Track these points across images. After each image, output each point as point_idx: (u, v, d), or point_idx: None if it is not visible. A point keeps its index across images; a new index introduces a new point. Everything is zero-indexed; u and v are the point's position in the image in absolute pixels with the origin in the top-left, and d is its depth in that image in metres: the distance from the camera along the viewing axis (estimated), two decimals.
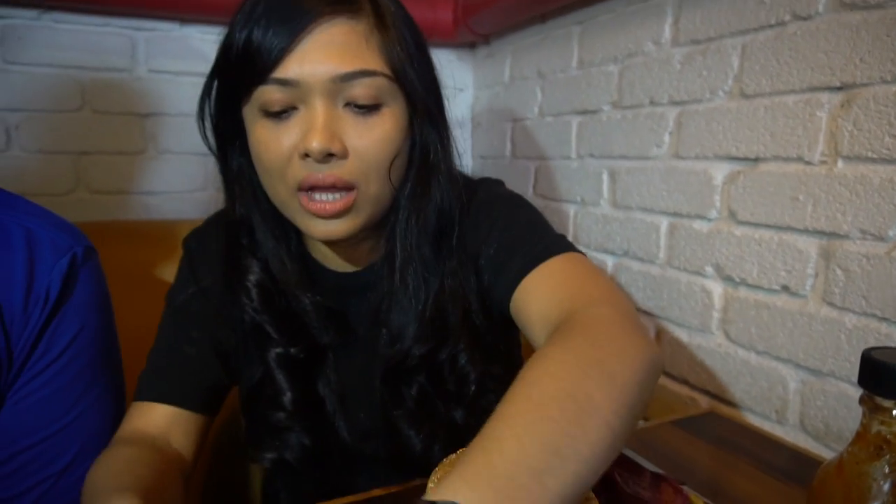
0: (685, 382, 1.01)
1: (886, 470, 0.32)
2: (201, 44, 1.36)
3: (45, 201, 0.69)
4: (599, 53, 1.17)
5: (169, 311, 0.75)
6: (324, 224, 0.63)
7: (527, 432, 0.39)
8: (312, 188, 0.62)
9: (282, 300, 0.70)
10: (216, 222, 0.78)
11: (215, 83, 0.67)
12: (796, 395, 0.82)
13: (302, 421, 0.69)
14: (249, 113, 0.63)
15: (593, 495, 0.47)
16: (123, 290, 0.79)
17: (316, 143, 0.58)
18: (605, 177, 1.17)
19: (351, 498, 0.65)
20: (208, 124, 0.69)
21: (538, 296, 0.61)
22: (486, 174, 0.82)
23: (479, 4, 1.35)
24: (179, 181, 1.39)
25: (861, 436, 0.33)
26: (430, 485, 0.47)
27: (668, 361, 1.04)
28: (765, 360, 0.86)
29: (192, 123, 1.41)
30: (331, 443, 0.71)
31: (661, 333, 1.05)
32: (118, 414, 0.69)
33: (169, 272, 1.08)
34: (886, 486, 0.31)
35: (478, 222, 0.71)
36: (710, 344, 0.95)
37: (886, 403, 0.32)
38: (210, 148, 0.70)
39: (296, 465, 0.68)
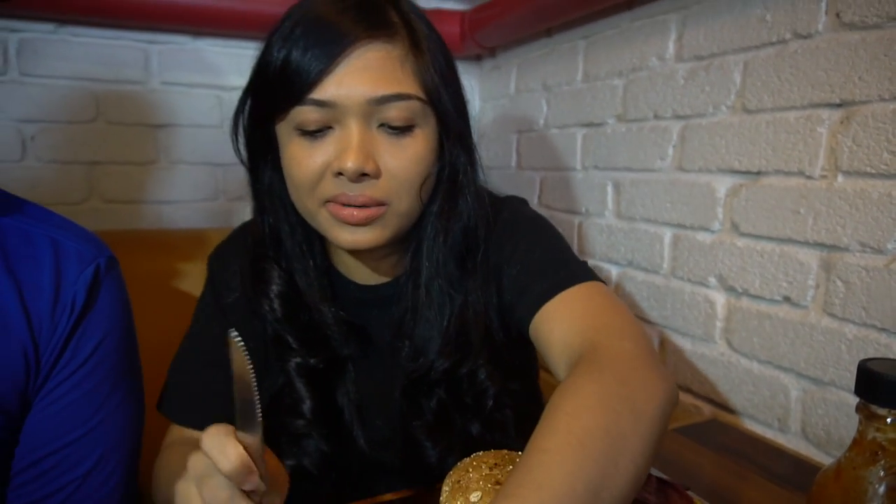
0: (689, 391, 1.02)
1: (882, 474, 0.34)
2: (213, 56, 1.39)
3: (59, 210, 0.71)
4: (604, 67, 1.20)
5: (194, 332, 0.78)
6: (351, 233, 0.65)
7: (574, 472, 0.42)
8: (343, 203, 0.64)
9: (304, 312, 0.72)
10: (240, 236, 0.80)
11: (249, 100, 0.69)
12: (798, 404, 0.84)
13: (320, 428, 0.70)
14: (284, 130, 0.65)
15: None
16: (136, 297, 0.81)
17: (351, 164, 0.60)
18: (609, 188, 1.19)
19: (361, 503, 0.67)
20: (241, 139, 0.71)
21: (560, 322, 0.62)
22: (492, 185, 0.83)
23: (486, 18, 1.38)
24: (191, 191, 1.42)
25: (858, 442, 0.35)
26: (445, 488, 0.49)
27: (671, 370, 1.06)
28: (767, 370, 0.88)
29: (204, 134, 1.45)
30: (348, 451, 0.73)
31: (664, 343, 1.07)
32: (139, 419, 0.71)
33: (179, 279, 1.11)
34: (882, 489, 0.33)
35: (501, 241, 0.73)
36: (713, 353, 0.97)
37: (881, 412, 0.34)
38: (242, 161, 0.73)
39: (314, 471, 0.70)
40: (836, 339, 0.78)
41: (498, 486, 0.46)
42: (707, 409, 0.99)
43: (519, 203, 0.80)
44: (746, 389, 0.92)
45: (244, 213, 1.43)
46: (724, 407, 0.96)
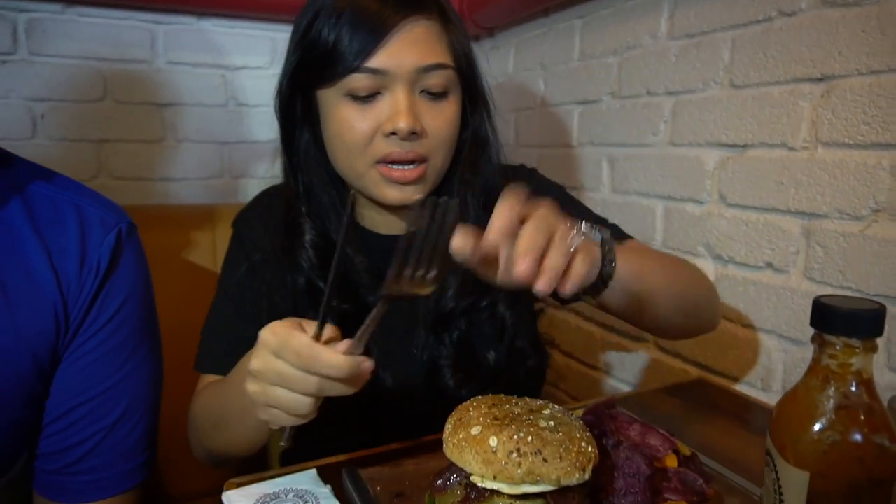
0: (678, 355, 1.07)
1: (832, 393, 0.39)
2: (218, 37, 1.42)
3: None
4: (600, 46, 1.23)
5: (223, 291, 0.82)
6: (400, 190, 0.74)
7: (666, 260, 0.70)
8: (394, 161, 0.72)
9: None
10: (263, 201, 0.86)
11: (292, 69, 0.76)
12: (780, 364, 0.89)
13: None
14: (331, 96, 0.73)
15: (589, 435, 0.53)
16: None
17: (404, 124, 0.70)
18: (604, 163, 1.23)
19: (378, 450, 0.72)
20: (279, 104, 0.79)
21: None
22: None
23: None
24: (196, 168, 1.46)
25: (812, 369, 0.40)
26: (448, 426, 0.54)
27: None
28: (751, 333, 0.93)
29: (209, 113, 1.48)
30: (374, 395, 0.78)
31: None
32: (160, 376, 0.75)
33: (188, 252, 1.15)
34: (830, 406, 0.38)
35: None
36: None
37: (832, 339, 0.38)
38: (280, 125, 0.80)
39: (343, 412, 0.74)
40: None
41: (496, 422, 0.50)
42: (695, 372, 1.04)
43: (531, 170, 0.90)
44: (732, 353, 0.96)
45: (248, 190, 1.48)
46: (712, 370, 1.01)
